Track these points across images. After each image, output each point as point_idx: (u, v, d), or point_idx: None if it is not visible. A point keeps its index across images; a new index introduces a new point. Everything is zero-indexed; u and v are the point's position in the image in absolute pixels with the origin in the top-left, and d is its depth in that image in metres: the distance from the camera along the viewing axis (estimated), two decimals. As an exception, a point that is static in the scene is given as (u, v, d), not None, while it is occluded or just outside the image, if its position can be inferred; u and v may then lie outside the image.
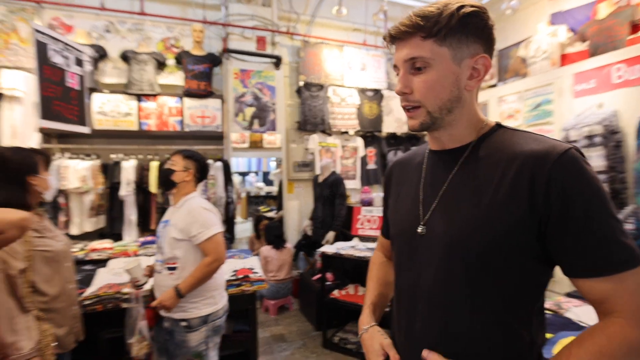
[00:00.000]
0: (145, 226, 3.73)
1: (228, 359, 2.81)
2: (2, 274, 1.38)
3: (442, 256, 0.77)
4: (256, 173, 7.60)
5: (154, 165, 3.71)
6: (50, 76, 2.96)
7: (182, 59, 3.96)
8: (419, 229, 0.82)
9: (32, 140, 3.36)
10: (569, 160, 0.67)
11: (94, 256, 3.25)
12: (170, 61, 4.00)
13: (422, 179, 0.87)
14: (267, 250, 4.10)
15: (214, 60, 4.09)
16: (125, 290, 2.33)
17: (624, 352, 0.63)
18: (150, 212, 3.75)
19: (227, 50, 4.09)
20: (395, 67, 0.81)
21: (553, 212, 0.67)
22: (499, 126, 0.81)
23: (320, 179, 4.18)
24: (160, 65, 3.94)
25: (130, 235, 3.64)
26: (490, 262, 0.72)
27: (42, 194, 1.64)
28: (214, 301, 1.97)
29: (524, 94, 4.24)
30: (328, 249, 3.40)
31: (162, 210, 3.69)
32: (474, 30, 0.74)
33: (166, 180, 2.00)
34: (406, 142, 5.20)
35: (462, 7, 0.72)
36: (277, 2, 4.46)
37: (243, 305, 2.66)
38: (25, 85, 3.29)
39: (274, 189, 6.17)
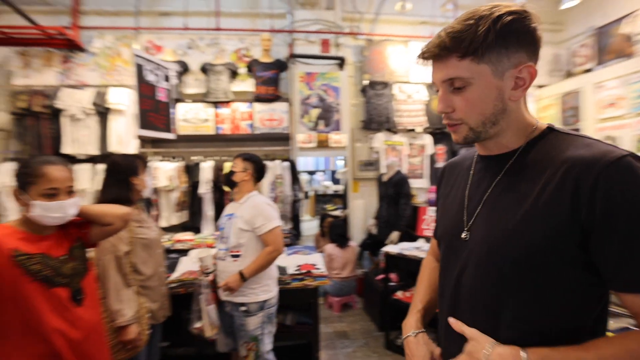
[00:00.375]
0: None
1: (291, 349, 2.95)
2: (112, 255, 1.78)
3: (479, 263, 0.77)
4: (324, 172, 7.76)
5: (228, 166, 4.08)
6: (145, 92, 3.49)
7: (252, 67, 4.28)
8: (463, 234, 0.82)
9: (132, 146, 3.98)
10: (622, 167, 0.63)
11: (178, 246, 3.73)
12: (242, 70, 4.36)
13: (469, 184, 0.86)
14: (331, 248, 4.20)
15: (280, 66, 4.33)
16: (184, 278, 2.61)
17: None
18: (225, 208, 4.13)
19: (292, 56, 4.30)
20: (433, 83, 0.79)
21: (597, 221, 0.63)
22: (550, 130, 0.77)
23: (385, 178, 4.13)
24: (234, 74, 4.32)
25: (208, 228, 4.06)
26: (527, 271, 0.70)
27: (141, 191, 2.01)
28: (269, 289, 2.20)
29: (629, 77, 3.65)
30: (391, 249, 3.35)
31: (234, 206, 4.04)
32: (514, 39, 0.69)
33: (228, 180, 2.30)
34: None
35: (499, 18, 0.67)
36: (341, 3, 4.52)
37: (306, 299, 2.77)
38: (127, 100, 3.91)
39: (341, 188, 6.25)
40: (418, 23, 4.76)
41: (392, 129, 4.64)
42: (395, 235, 3.88)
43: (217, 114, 4.24)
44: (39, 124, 3.84)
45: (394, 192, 3.98)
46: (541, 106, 4.83)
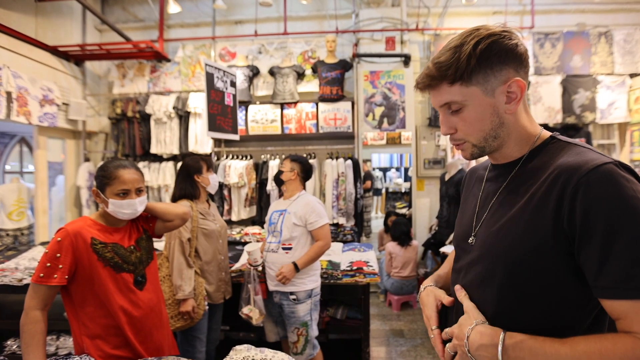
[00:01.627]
0: (286, 216, 4.28)
1: (342, 343, 3.02)
2: (178, 239, 2.11)
3: (476, 264, 0.81)
4: (397, 169, 7.63)
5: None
6: (214, 97, 3.75)
7: (317, 68, 4.36)
8: (470, 239, 0.86)
9: (208, 145, 4.30)
10: (602, 175, 0.64)
11: (247, 239, 3.96)
12: (308, 71, 4.46)
13: (481, 191, 0.90)
14: (392, 246, 4.13)
15: (345, 66, 4.35)
16: (244, 268, 2.73)
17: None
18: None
19: (356, 55, 4.29)
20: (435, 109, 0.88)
21: (577, 228, 0.65)
22: (552, 138, 0.80)
23: (447, 177, 3.96)
24: (300, 76, 4.44)
25: (274, 223, 4.24)
26: (515, 274, 0.72)
27: (205, 188, 2.30)
28: (316, 279, 2.37)
29: None
30: (450, 249, 3.22)
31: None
32: (496, 58, 0.73)
33: (277, 179, 2.47)
34: (562, 133, 4.36)
35: (478, 43, 0.72)
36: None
37: (357, 295, 2.80)
38: (204, 104, 4.23)
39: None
40: (491, 13, 4.45)
41: (459, 126, 4.41)
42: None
43: (283, 114, 4.40)
44: (131, 127, 4.33)
45: (455, 192, 3.80)
46: (635, 97, 4.24)
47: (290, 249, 2.29)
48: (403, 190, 7.35)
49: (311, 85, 4.48)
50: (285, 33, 4.34)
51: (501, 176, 0.84)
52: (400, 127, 4.39)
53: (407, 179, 7.46)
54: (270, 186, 4.19)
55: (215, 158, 4.41)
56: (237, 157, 4.36)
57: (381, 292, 4.58)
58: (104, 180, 1.47)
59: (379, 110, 4.39)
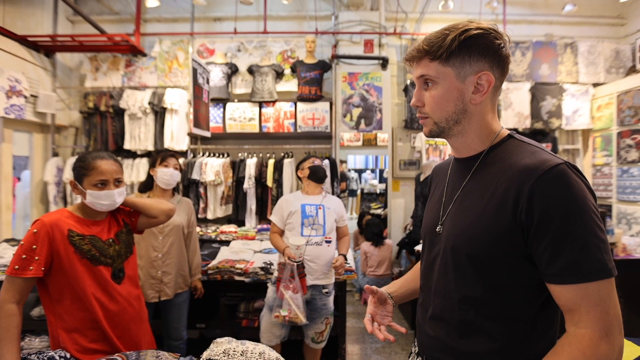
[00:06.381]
0: (262, 215, 4.10)
1: None
2: None
3: (444, 253, 0.85)
4: (372, 170, 7.55)
5: (271, 163, 4.04)
6: (197, 93, 3.55)
7: (296, 67, 4.20)
8: (437, 228, 0.89)
9: (184, 142, 4.07)
10: (554, 175, 0.70)
11: (222, 237, 3.76)
12: (287, 71, 4.30)
13: (446, 184, 0.93)
14: (366, 246, 4.03)
15: (324, 67, 4.22)
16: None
17: None
18: (267, 202, 4.10)
19: (335, 56, 4.17)
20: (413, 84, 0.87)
21: (533, 222, 0.70)
22: (509, 137, 0.84)
23: (422, 178, 3.90)
24: (279, 75, 4.27)
25: (250, 222, 4.05)
26: (478, 263, 0.78)
27: (158, 181, 2.16)
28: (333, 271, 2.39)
29: None
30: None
31: (276, 201, 3.98)
32: (477, 50, 0.77)
33: (318, 176, 2.38)
34: (531, 138, 4.39)
35: (465, 30, 0.76)
36: (385, 3, 4.33)
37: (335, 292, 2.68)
38: (179, 99, 4.00)
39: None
40: (465, 21, 4.43)
41: (434, 128, 4.36)
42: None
43: (262, 113, 4.22)
44: (104, 122, 4.04)
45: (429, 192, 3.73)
46: (597, 106, 4.31)
47: (330, 242, 2.29)
48: (378, 192, 7.28)
49: (290, 84, 4.32)
50: (265, 32, 4.17)
51: (464, 169, 0.87)
52: (377, 129, 4.30)
53: (382, 180, 7.39)
54: (247, 184, 4.00)
55: (192, 155, 4.18)
56: (214, 155, 4.14)
57: (356, 291, 4.47)
58: (81, 171, 1.41)
59: (356, 111, 4.28)
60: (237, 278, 2.62)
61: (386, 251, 4.02)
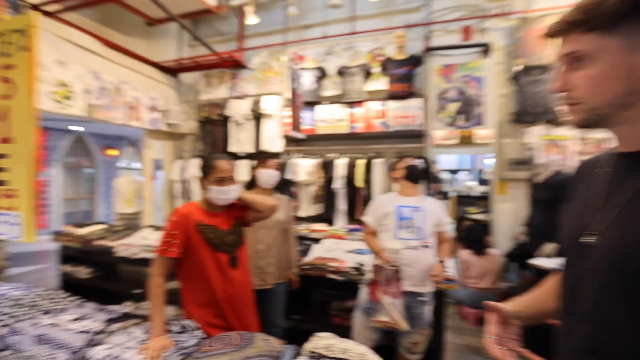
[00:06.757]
0: (351, 215, 4.06)
1: None
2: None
3: (602, 271, 0.67)
4: (469, 171, 6.80)
5: (361, 163, 3.98)
6: (294, 98, 3.78)
7: (385, 65, 4.06)
8: (591, 238, 0.70)
9: (279, 145, 4.33)
10: None
11: (313, 235, 3.86)
12: (376, 69, 4.18)
13: (607, 185, 0.73)
14: (465, 254, 3.61)
15: (415, 62, 3.98)
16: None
17: None
18: (356, 203, 4.05)
19: (428, 49, 3.88)
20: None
21: None
22: None
23: (540, 180, 3.30)
24: (367, 74, 4.19)
25: (340, 221, 4.05)
26: None
27: (259, 181, 2.32)
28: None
29: None
30: (543, 262, 2.64)
31: (366, 201, 3.87)
32: None
33: (418, 175, 2.29)
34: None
35: None
36: (487, -18, 3.85)
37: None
38: (275, 106, 4.28)
39: (487, 189, 5.35)
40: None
41: (553, 120, 3.67)
42: (550, 247, 3.02)
43: (351, 113, 4.20)
44: (214, 129, 4.60)
45: (550, 196, 3.12)
46: None
47: (428, 247, 2.15)
48: (476, 194, 6.45)
49: (379, 83, 4.18)
50: (352, 33, 4.15)
51: (637, 165, 0.67)
52: (477, 124, 3.83)
53: (480, 182, 6.56)
54: (337, 185, 4.02)
55: (285, 157, 4.41)
56: (306, 156, 4.29)
57: (455, 303, 4.04)
58: (206, 169, 1.66)
59: (453, 106, 3.89)
60: (329, 276, 2.64)
61: (490, 262, 3.54)
